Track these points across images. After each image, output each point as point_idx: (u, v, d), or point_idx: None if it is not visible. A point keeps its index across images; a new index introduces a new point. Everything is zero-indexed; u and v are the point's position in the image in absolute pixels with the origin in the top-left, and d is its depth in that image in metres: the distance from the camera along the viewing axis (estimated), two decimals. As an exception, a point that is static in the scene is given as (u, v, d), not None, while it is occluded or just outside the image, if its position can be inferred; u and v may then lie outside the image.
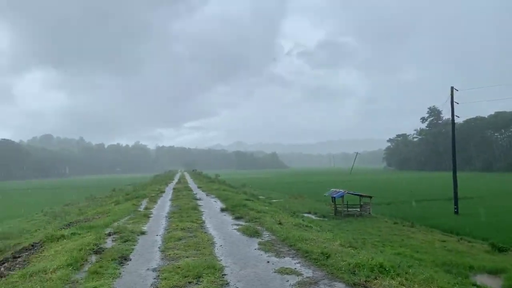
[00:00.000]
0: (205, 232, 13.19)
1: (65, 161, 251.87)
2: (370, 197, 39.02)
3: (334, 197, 38.36)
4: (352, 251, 9.55)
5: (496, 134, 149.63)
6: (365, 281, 6.56)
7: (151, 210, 21.20)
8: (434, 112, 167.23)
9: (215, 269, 7.94)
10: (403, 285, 6.42)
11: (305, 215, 35.72)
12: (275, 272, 7.78)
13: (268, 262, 8.70)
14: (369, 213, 37.34)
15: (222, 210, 19.86)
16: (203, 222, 15.84)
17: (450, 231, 29.06)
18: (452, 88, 40.94)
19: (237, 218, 16.74)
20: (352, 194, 39.66)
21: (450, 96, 40.82)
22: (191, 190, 37.08)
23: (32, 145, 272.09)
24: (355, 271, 7.22)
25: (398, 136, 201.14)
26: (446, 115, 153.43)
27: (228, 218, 17.14)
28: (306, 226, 15.31)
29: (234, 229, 13.91)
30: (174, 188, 40.92)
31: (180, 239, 11.78)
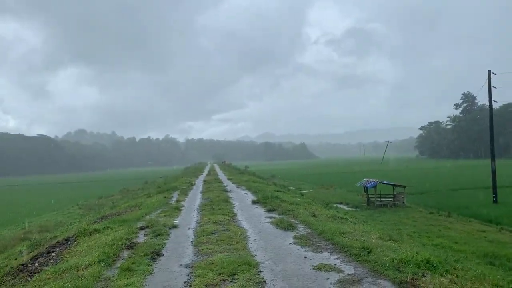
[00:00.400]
0: (238, 226, 12.81)
1: (98, 155, 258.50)
2: (404, 186, 37.99)
3: (367, 187, 37.51)
4: (393, 245, 9.00)
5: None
6: (413, 279, 6.06)
7: (182, 203, 21.02)
8: (468, 98, 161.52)
9: (250, 266, 7.55)
10: (454, 283, 5.88)
11: (337, 205, 35.15)
12: (313, 268, 7.29)
13: (306, 257, 8.23)
14: (403, 203, 36.35)
15: (254, 202, 19.32)
16: (235, 215, 15.49)
17: (489, 221, 27.94)
18: (489, 72, 39.10)
19: (269, 210, 16.19)
20: (385, 183, 38.67)
21: (487, 80, 39.00)
22: (221, 182, 36.85)
23: (67, 140, 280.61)
24: (399, 267, 6.70)
25: (430, 123, 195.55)
26: (481, 100, 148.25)
27: (260, 210, 16.64)
28: (341, 218, 14.66)
29: (267, 222, 13.43)
30: (204, 181, 40.77)
31: (212, 233, 11.52)
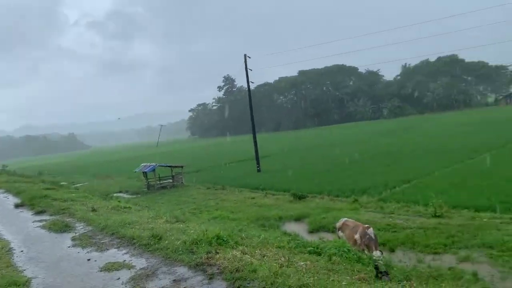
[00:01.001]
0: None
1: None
2: (182, 166, 39.22)
3: (146, 172, 37.12)
4: (182, 226, 8.89)
5: (281, 98, 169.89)
6: (207, 258, 6.01)
7: None
8: (228, 80, 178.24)
9: (18, 285, 6.13)
10: (245, 253, 6.10)
11: (117, 195, 33.66)
12: (101, 270, 6.46)
13: (89, 259, 7.28)
14: (182, 182, 37.59)
15: (18, 205, 16.58)
16: None
17: (256, 187, 31.43)
18: (245, 55, 43.55)
19: (38, 212, 14.01)
20: (164, 166, 39.09)
21: (244, 64, 43.43)
22: None
23: None
24: (192, 249, 6.58)
25: (198, 105, 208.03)
26: (239, 82, 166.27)
27: (27, 214, 14.27)
28: (125, 207, 13.78)
29: (37, 226, 11.53)
30: None
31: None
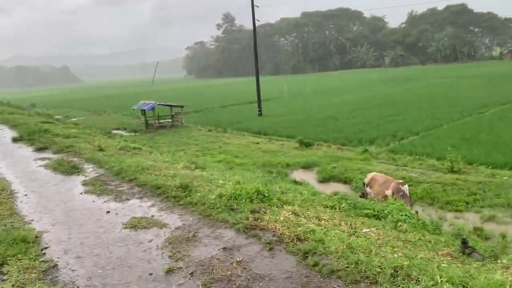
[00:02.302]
0: None
1: None
2: (182, 106, 37.95)
3: (144, 110, 35.85)
4: (205, 174, 7.86)
5: (282, 40, 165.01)
6: (255, 219, 5.03)
7: None
8: (228, 18, 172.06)
9: (27, 243, 4.97)
10: (298, 214, 5.14)
11: (115, 132, 32.63)
12: (125, 227, 5.39)
13: (109, 212, 6.16)
14: (182, 123, 36.52)
15: (15, 140, 15.05)
16: None
17: (259, 132, 30.57)
18: (253, -10, 40.78)
19: (40, 149, 12.51)
20: (163, 105, 37.75)
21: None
22: None
23: None
24: (232, 206, 5.57)
25: (196, 43, 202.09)
26: (239, 21, 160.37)
27: (26, 151, 12.74)
28: (134, 148, 12.53)
29: (40, 165, 10.20)
30: None
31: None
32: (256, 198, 5.70)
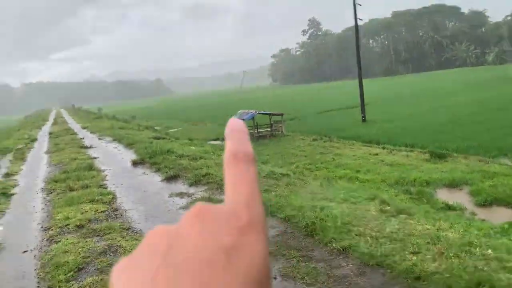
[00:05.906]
0: (129, 228, 6.82)
1: None
2: (282, 114, 35.97)
3: (243, 119, 34.30)
4: (425, 228, 5.14)
5: (370, 41, 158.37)
6: None
7: (14, 178, 13.34)
8: (314, 23, 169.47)
9: None
10: None
11: (213, 142, 31.52)
12: None
13: None
14: (282, 132, 34.45)
15: (135, 163, 12.86)
16: (114, 197, 8.91)
17: (370, 141, 27.46)
18: (353, -11, 37.88)
19: (170, 179, 9.86)
20: (264, 113, 36.03)
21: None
22: (74, 134, 28.70)
23: None
24: None
25: (281, 51, 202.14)
26: (325, 26, 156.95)
27: (154, 182, 10.14)
28: (282, 175, 9.26)
29: (180, 208, 7.58)
30: (50, 133, 31.58)
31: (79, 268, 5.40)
32: None
